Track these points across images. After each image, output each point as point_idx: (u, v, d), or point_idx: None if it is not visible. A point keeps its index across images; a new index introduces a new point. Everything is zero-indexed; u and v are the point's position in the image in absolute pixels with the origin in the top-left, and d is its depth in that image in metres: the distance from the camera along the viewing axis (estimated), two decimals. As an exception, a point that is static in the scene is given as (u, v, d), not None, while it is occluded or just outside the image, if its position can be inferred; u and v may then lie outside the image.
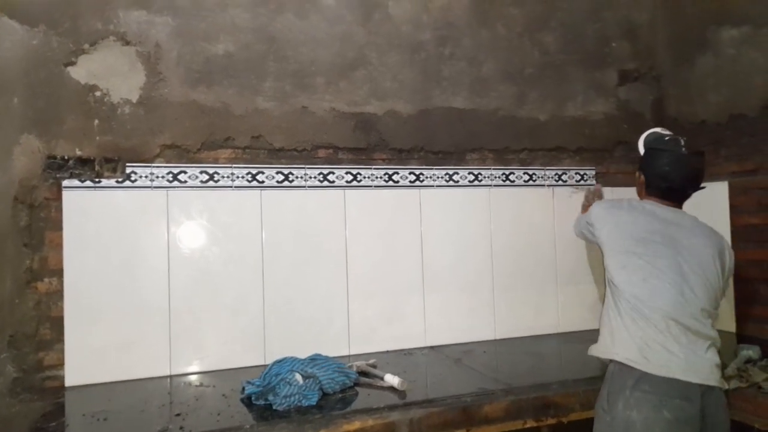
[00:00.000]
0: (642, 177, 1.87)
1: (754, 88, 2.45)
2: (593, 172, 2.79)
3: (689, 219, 1.79)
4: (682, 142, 1.80)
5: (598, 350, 1.77)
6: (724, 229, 2.49)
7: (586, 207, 2.49)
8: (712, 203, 2.54)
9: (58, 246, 1.99)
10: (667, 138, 1.86)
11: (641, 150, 1.92)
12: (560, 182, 2.71)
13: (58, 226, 1.99)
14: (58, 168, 2.01)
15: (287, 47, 2.32)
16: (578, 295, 2.70)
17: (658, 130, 1.97)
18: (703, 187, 1.81)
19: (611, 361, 1.67)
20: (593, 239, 1.97)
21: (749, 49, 2.47)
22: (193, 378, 2.04)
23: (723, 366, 1.68)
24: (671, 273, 1.65)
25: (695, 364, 1.57)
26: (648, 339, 1.61)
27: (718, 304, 1.71)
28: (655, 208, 1.79)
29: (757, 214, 2.41)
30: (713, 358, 1.61)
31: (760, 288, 2.40)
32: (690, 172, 1.77)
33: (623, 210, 1.82)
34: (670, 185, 1.77)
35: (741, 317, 2.47)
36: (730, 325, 2.48)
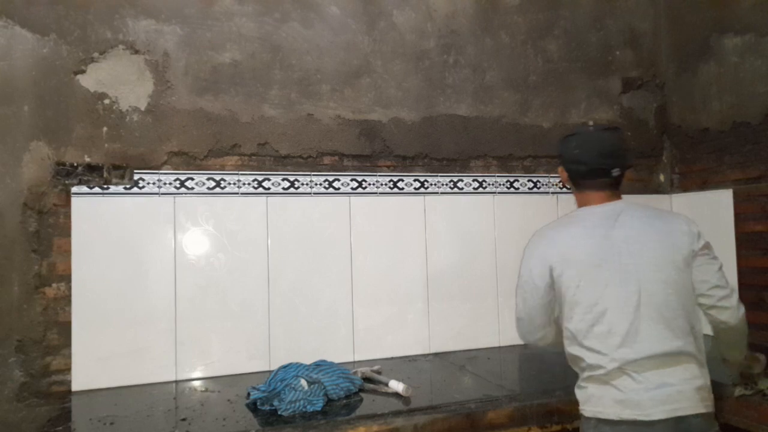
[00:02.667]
0: (564, 172, 1.69)
1: (757, 96, 2.46)
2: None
3: (630, 212, 1.58)
4: (591, 123, 1.70)
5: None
6: (729, 236, 2.49)
7: None
8: (716, 211, 2.55)
9: (66, 252, 2.01)
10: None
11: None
12: (564, 189, 2.72)
13: (66, 232, 2.01)
14: (66, 175, 2.04)
15: (292, 56, 2.34)
16: (582, 302, 2.70)
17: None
18: (630, 165, 1.66)
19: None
20: (550, 297, 1.60)
21: (752, 57, 2.48)
22: (198, 383, 2.05)
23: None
24: (620, 299, 1.48)
25: (662, 394, 1.41)
26: (604, 383, 1.47)
27: (693, 301, 1.53)
28: (586, 217, 1.60)
29: (762, 221, 2.41)
30: (690, 380, 1.44)
31: (766, 296, 2.39)
32: (602, 146, 1.59)
33: (555, 240, 1.59)
34: (588, 167, 1.59)
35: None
36: (735, 333, 2.47)
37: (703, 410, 1.44)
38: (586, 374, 1.52)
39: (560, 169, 1.72)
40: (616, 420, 1.43)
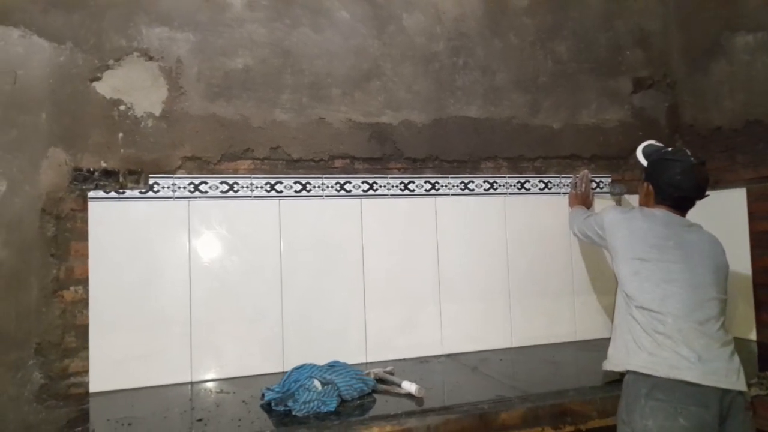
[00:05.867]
0: (650, 187, 1.89)
1: (770, 94, 2.44)
2: (608, 180, 2.79)
3: (696, 226, 1.84)
4: (689, 152, 1.85)
5: (612, 364, 1.79)
6: (743, 235, 2.48)
7: (574, 196, 2.56)
8: (729, 210, 2.53)
9: (84, 256, 2.05)
10: (671, 149, 1.93)
11: (643, 161, 1.99)
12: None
13: (83, 236, 2.05)
14: (83, 180, 2.08)
15: (303, 60, 2.37)
16: (594, 302, 2.69)
17: (653, 142, 2.06)
18: (707, 195, 1.85)
19: (627, 371, 1.68)
20: (600, 243, 2.04)
21: (764, 55, 2.47)
22: (213, 385, 2.08)
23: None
24: (684, 277, 1.68)
25: (710, 367, 1.56)
26: (659, 344, 1.62)
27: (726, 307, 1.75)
28: (666, 214, 1.82)
29: (776, 220, 2.39)
30: (732, 361, 1.61)
31: (780, 295, 2.37)
32: (700, 180, 1.81)
33: (637, 217, 1.84)
34: (683, 194, 1.81)
35: (760, 324, 2.44)
36: (750, 333, 2.46)
37: (741, 390, 1.60)
38: (643, 335, 1.67)
39: (646, 184, 1.91)
40: (675, 383, 1.56)
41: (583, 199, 2.54)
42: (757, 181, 2.48)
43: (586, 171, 2.60)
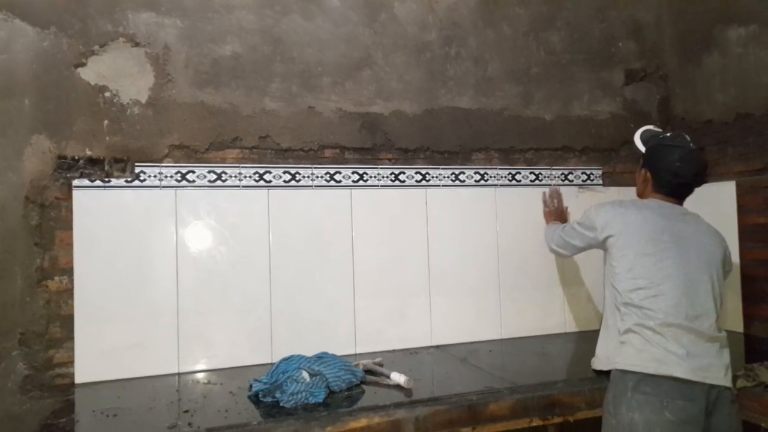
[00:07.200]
0: (648, 174, 1.85)
1: (761, 87, 2.44)
2: (599, 172, 2.79)
3: (693, 216, 1.80)
4: (688, 138, 1.80)
5: (601, 363, 1.79)
6: (732, 228, 2.48)
7: (548, 213, 2.49)
8: (719, 203, 2.54)
9: (69, 245, 2.01)
10: (670, 134, 1.87)
11: (641, 147, 1.93)
12: (566, 182, 2.71)
13: (68, 225, 2.02)
14: (68, 168, 2.04)
15: (293, 48, 2.33)
16: (585, 294, 2.69)
17: (651, 127, 2.00)
18: (705, 181, 1.82)
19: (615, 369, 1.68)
20: (588, 246, 1.98)
21: (756, 48, 2.46)
22: (200, 376, 2.06)
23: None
24: (678, 272, 1.66)
25: (698, 363, 1.56)
26: (648, 340, 1.61)
27: (722, 302, 1.71)
28: (661, 205, 1.79)
29: (765, 213, 2.40)
30: (721, 357, 1.60)
31: (768, 288, 2.39)
32: (699, 166, 1.77)
33: (630, 210, 1.79)
34: (681, 181, 1.77)
35: (748, 317, 2.46)
36: (738, 325, 2.47)
37: (727, 385, 1.59)
38: (631, 332, 1.65)
39: (644, 171, 1.87)
40: (662, 377, 1.56)
41: (558, 215, 2.48)
42: (747, 174, 2.49)
43: (555, 186, 2.58)
